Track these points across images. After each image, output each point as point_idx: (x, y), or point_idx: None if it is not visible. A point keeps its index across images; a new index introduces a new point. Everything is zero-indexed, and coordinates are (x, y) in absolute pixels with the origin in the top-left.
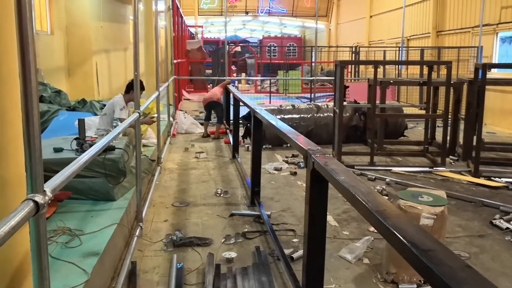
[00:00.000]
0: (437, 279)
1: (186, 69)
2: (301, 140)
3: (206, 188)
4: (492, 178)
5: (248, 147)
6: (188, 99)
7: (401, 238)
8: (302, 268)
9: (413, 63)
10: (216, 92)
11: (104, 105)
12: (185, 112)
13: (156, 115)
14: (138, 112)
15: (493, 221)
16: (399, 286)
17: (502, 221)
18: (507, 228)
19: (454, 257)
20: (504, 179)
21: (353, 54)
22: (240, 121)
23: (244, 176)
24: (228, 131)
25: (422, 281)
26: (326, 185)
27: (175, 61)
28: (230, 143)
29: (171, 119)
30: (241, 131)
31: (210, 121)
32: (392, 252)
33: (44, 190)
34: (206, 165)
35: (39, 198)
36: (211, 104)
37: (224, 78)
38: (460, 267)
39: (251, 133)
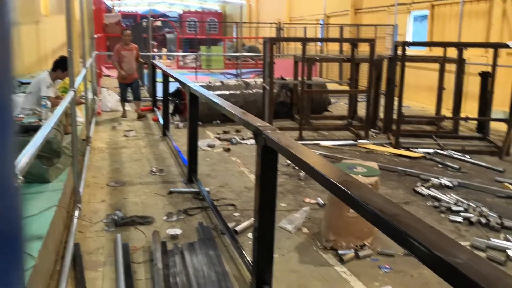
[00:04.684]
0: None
1: (103, 44)
2: (249, 117)
3: (140, 167)
4: (410, 149)
5: (177, 124)
6: (108, 76)
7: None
8: (253, 241)
9: (344, 40)
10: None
11: (20, 82)
12: (108, 89)
13: (83, 95)
14: (74, 91)
15: (416, 188)
16: (338, 252)
17: (423, 188)
18: (428, 194)
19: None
20: (421, 150)
21: (276, 31)
22: (169, 98)
23: (177, 153)
24: (155, 108)
25: (359, 246)
26: (276, 159)
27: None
28: (159, 121)
29: (94, 96)
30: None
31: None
32: (331, 221)
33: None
34: (136, 144)
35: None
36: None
37: (148, 54)
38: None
39: (181, 110)
